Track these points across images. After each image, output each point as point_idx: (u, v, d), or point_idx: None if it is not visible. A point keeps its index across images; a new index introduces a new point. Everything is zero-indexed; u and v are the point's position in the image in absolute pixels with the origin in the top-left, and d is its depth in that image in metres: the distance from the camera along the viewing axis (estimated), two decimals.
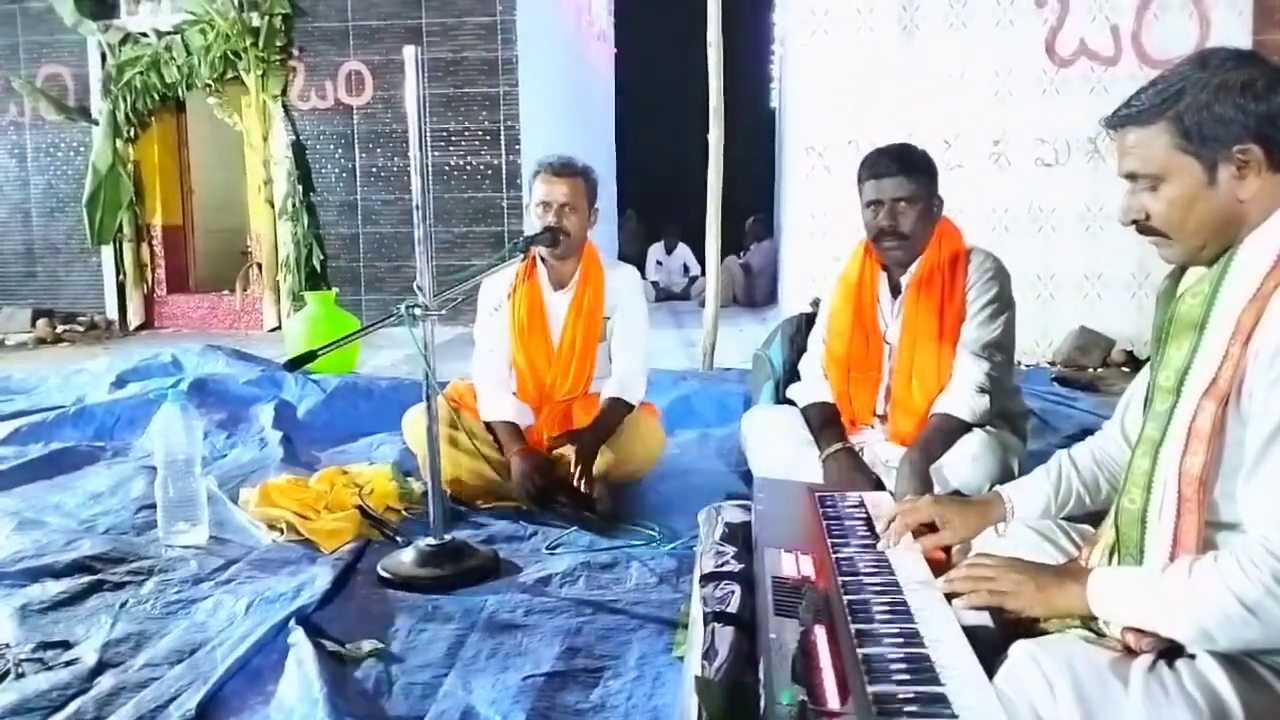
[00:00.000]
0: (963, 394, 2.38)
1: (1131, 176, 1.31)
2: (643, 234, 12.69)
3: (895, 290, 2.55)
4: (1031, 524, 1.64)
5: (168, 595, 2.18)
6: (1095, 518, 1.56)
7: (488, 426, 2.89)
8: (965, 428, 2.36)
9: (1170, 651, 1.18)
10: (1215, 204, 1.25)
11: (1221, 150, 1.23)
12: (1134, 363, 5.68)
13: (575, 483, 2.66)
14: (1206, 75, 1.24)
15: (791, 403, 2.75)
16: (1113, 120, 1.33)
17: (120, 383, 4.57)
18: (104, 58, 8.32)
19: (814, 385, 2.67)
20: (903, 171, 2.41)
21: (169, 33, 8.14)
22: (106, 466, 3.42)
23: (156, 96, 8.30)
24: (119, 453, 3.61)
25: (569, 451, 2.71)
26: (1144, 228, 1.32)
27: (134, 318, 8.70)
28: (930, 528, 1.65)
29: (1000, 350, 2.45)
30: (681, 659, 1.78)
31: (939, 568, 1.54)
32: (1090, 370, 5.63)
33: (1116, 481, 1.61)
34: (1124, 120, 1.31)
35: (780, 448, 2.58)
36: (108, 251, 8.59)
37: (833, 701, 1.11)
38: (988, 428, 2.39)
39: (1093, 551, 1.43)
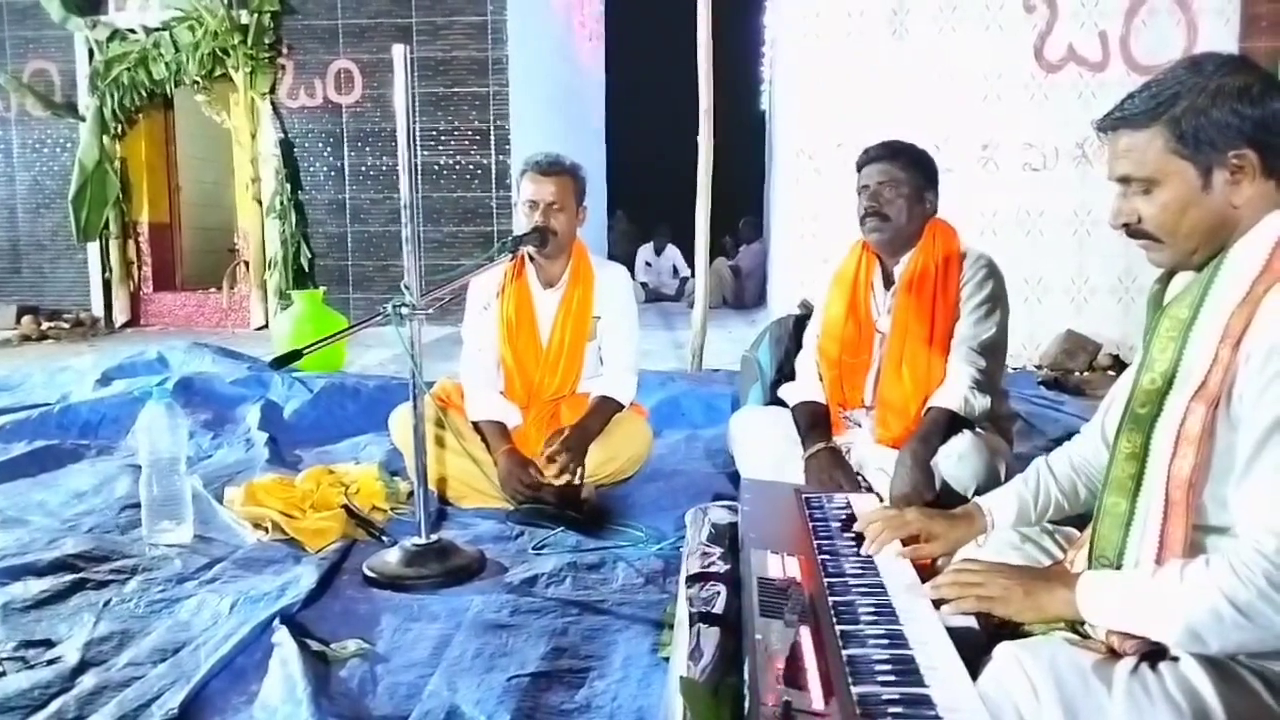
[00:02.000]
0: (958, 390, 2.39)
1: (1124, 180, 1.31)
2: (632, 235, 12.71)
3: (889, 283, 2.57)
4: (1017, 527, 1.64)
5: (151, 594, 2.17)
6: (1080, 520, 1.57)
7: (475, 426, 2.88)
8: (958, 424, 2.38)
9: (1153, 654, 1.18)
10: (1209, 208, 1.25)
11: (1217, 155, 1.23)
12: (1120, 367, 5.71)
13: (560, 477, 2.65)
14: (1202, 80, 1.24)
15: (780, 403, 2.75)
16: (1105, 123, 1.32)
17: (105, 380, 4.54)
18: (91, 54, 8.29)
19: (805, 384, 2.68)
20: (889, 158, 2.49)
21: (157, 29, 8.11)
22: (91, 465, 3.40)
23: (144, 93, 8.27)
24: (103, 451, 3.59)
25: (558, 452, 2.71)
26: (1135, 231, 1.32)
27: (120, 315, 8.66)
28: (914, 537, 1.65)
29: (995, 349, 2.47)
30: (667, 659, 1.78)
31: (924, 571, 1.55)
32: (1076, 374, 5.66)
33: (1095, 486, 1.60)
34: (1117, 123, 1.30)
35: (768, 449, 2.59)
36: (94, 248, 8.55)
37: (817, 702, 1.11)
38: (976, 429, 2.40)
39: (1078, 555, 1.43)
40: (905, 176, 2.47)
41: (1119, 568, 1.29)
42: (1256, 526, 1.14)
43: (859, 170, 2.54)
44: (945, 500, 2.18)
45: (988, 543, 1.63)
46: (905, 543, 1.63)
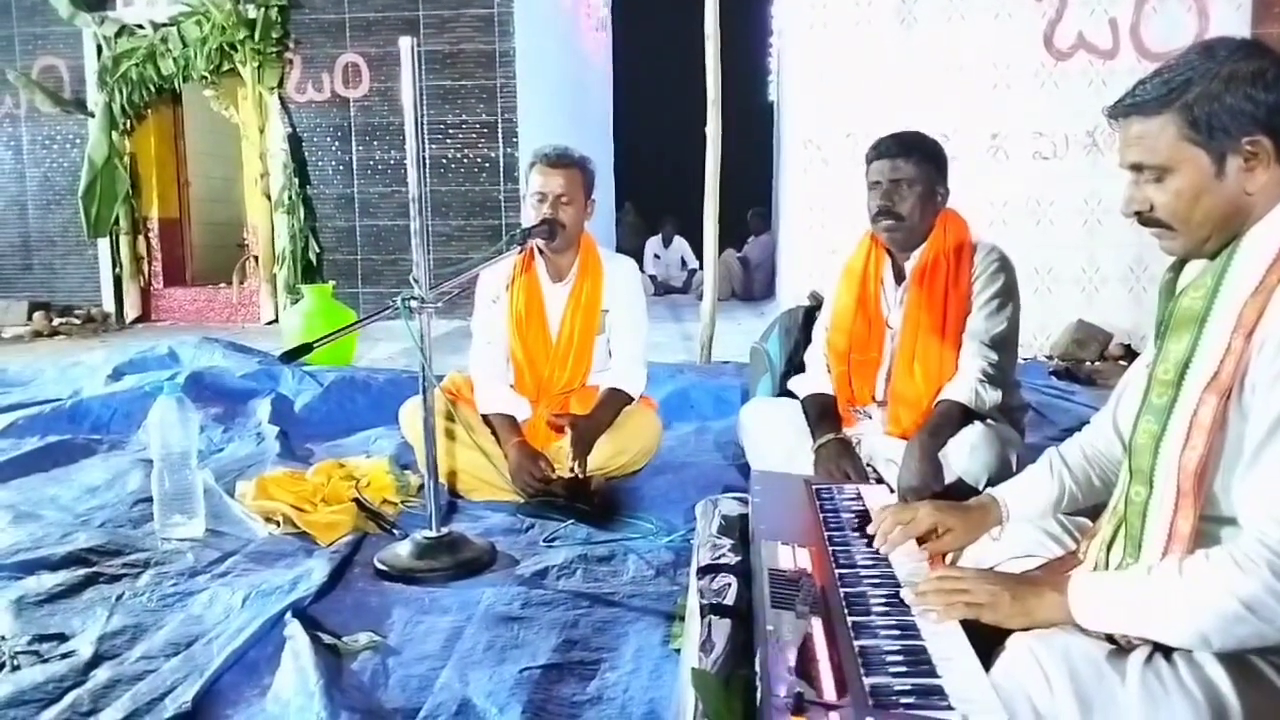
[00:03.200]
0: (969, 383, 2.38)
1: (1136, 167, 1.29)
2: (641, 227, 12.70)
3: (899, 277, 2.56)
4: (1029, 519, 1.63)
5: (164, 588, 2.18)
6: (1093, 510, 1.56)
7: (485, 419, 2.88)
8: (969, 417, 2.37)
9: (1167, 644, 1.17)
10: (1222, 196, 1.23)
11: (1230, 141, 1.21)
12: (1131, 356, 5.68)
13: (570, 468, 2.66)
14: (1215, 65, 1.22)
15: (790, 395, 2.75)
16: (1116, 110, 1.30)
17: (117, 376, 4.57)
18: (100, 50, 8.30)
19: (815, 376, 2.67)
20: (902, 154, 2.43)
21: (165, 25, 8.12)
22: (103, 459, 3.42)
23: (152, 89, 8.28)
24: (115, 446, 3.61)
25: (566, 442, 2.71)
26: (1147, 219, 1.30)
27: (130, 310, 8.69)
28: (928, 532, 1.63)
29: (1006, 343, 2.45)
30: (678, 651, 1.78)
31: (937, 564, 1.54)
32: (1088, 363, 5.64)
33: (1108, 476, 1.59)
34: (1129, 110, 1.28)
35: (778, 441, 2.58)
36: (104, 244, 8.58)
37: (829, 693, 1.11)
38: (987, 420, 2.39)
39: (1091, 544, 1.42)
40: (918, 173, 2.42)
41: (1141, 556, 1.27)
42: (1261, 516, 1.13)
43: (869, 163, 2.49)
44: (958, 492, 2.17)
45: (1003, 535, 1.62)
46: (920, 539, 1.62)
